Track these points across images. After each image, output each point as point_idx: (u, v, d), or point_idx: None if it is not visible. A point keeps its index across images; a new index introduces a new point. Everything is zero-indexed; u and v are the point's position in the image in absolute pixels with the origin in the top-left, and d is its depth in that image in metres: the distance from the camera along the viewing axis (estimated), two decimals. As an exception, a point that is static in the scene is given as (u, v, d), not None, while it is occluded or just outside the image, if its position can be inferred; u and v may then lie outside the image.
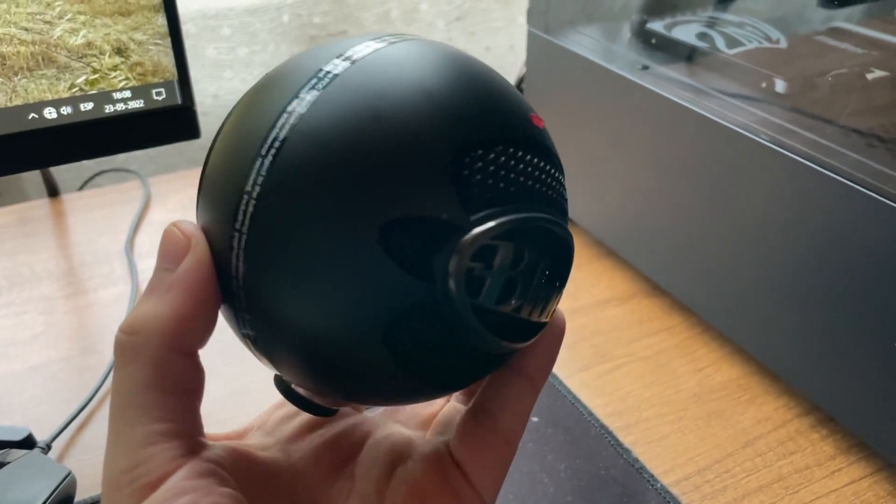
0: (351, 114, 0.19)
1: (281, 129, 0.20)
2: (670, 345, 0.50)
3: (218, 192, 0.21)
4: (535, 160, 0.21)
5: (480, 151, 0.20)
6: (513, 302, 0.21)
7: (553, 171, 0.22)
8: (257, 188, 0.20)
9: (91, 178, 0.73)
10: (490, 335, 0.21)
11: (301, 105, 0.20)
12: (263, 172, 0.20)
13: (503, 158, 0.20)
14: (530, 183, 0.21)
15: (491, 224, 0.19)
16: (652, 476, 0.41)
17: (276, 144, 0.20)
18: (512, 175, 0.20)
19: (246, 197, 0.20)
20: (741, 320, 0.47)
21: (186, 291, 0.20)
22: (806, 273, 0.42)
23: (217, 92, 0.79)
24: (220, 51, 0.77)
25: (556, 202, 0.22)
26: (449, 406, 0.27)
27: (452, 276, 0.19)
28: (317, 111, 0.20)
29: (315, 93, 0.20)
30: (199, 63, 0.77)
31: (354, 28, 0.83)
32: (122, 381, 0.20)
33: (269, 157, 0.20)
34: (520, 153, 0.21)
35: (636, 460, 0.42)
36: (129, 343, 0.20)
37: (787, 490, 0.41)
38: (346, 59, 0.21)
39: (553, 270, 0.22)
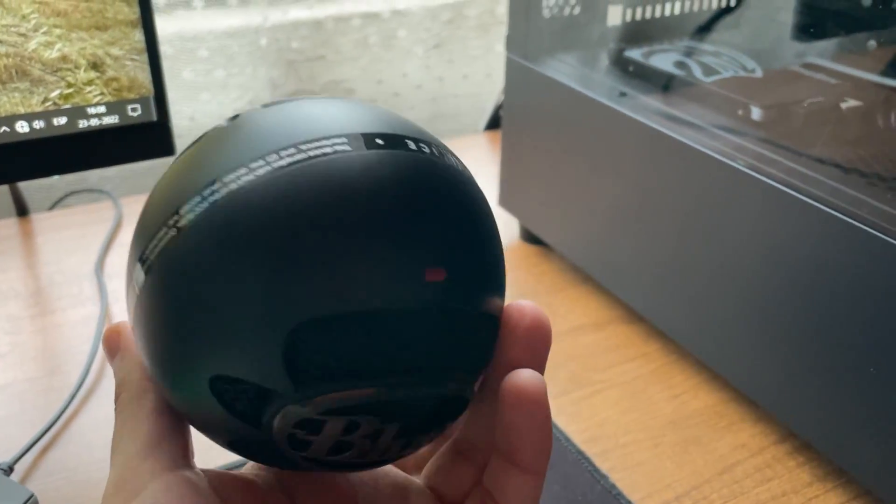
0: (202, 267, 0.19)
1: (151, 251, 0.20)
2: (647, 371, 0.50)
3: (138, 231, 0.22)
4: (398, 327, 0.19)
5: (324, 327, 0.19)
6: (349, 454, 0.21)
7: (429, 331, 0.20)
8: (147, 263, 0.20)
9: (62, 199, 0.72)
10: (328, 467, 0.21)
11: (166, 236, 0.20)
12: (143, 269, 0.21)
13: (351, 332, 0.19)
14: (381, 355, 0.19)
15: (315, 400, 0.19)
16: (629, 502, 0.40)
17: (147, 263, 0.20)
18: (357, 349, 0.19)
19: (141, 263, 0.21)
20: (718, 347, 0.47)
21: (126, 360, 0.24)
22: (782, 299, 0.42)
23: (193, 114, 0.78)
24: (196, 73, 0.77)
25: (425, 363, 0.20)
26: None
27: (276, 434, 0.20)
28: (176, 249, 0.19)
29: (187, 218, 0.19)
30: (175, 84, 0.76)
31: (332, 54, 0.83)
32: (118, 422, 0.23)
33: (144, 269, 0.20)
34: (374, 325, 0.19)
35: (613, 486, 0.41)
36: (117, 401, 0.24)
37: (765, 517, 0.40)
38: (212, 193, 0.19)
39: (411, 428, 0.21)
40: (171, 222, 0.20)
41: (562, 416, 0.46)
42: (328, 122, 0.20)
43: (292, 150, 0.19)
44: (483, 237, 0.21)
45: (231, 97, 0.80)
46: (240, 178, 0.19)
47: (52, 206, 0.72)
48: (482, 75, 0.93)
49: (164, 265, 0.20)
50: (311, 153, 0.19)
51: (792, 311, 0.41)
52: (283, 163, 0.19)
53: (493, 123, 0.86)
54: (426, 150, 0.21)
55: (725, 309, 0.45)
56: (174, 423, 0.23)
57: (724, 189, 0.43)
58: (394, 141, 0.20)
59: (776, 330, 0.42)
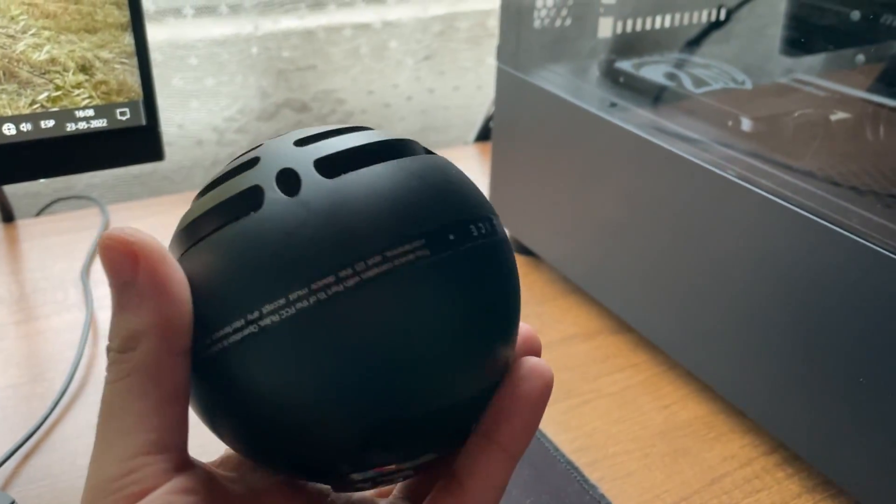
0: (289, 370, 0.20)
1: (226, 337, 0.20)
2: (637, 381, 0.50)
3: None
4: (457, 412, 0.22)
5: (402, 424, 0.21)
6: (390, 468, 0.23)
7: (477, 409, 0.23)
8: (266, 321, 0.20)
9: (49, 205, 0.72)
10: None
11: (245, 329, 0.20)
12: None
13: (422, 427, 0.21)
14: (442, 433, 0.22)
15: (375, 470, 0.22)
16: (619, 513, 0.40)
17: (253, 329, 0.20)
18: (422, 436, 0.22)
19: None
20: (707, 357, 0.47)
21: (161, 295, 0.20)
22: (771, 310, 0.42)
23: (182, 121, 0.78)
24: (186, 80, 0.77)
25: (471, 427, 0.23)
26: None
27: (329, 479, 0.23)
28: (258, 346, 0.20)
29: (271, 319, 0.20)
30: (165, 92, 0.76)
31: (323, 63, 0.83)
32: (118, 392, 0.20)
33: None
34: (441, 417, 0.21)
35: (603, 497, 0.41)
36: (124, 359, 0.20)
37: (754, 528, 0.40)
38: (299, 299, 0.20)
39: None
40: (251, 317, 0.20)
41: (551, 425, 0.46)
42: (405, 213, 0.20)
43: (378, 259, 0.20)
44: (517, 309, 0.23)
45: (221, 105, 0.79)
46: (329, 288, 0.19)
47: (39, 213, 0.71)
48: (473, 87, 0.93)
49: (245, 357, 0.20)
50: (396, 262, 0.20)
51: (780, 322, 0.41)
52: (371, 274, 0.20)
53: (484, 135, 0.86)
54: (485, 229, 0.22)
55: (714, 319, 0.45)
56: (184, 412, 0.21)
57: (714, 199, 0.44)
58: (463, 234, 0.21)
59: (765, 341, 0.42)
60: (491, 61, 0.93)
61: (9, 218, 0.65)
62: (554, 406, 0.48)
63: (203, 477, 0.21)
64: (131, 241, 0.20)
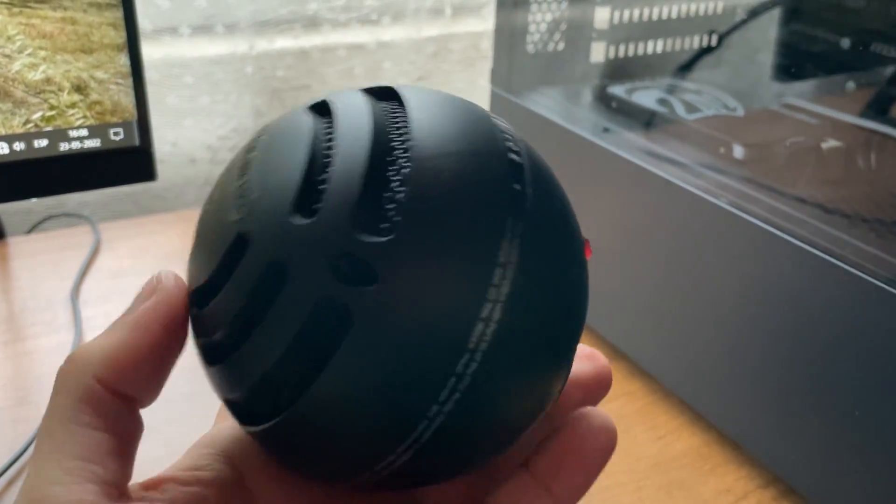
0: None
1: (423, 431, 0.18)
2: (630, 410, 0.50)
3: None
4: None
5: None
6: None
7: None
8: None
9: (40, 223, 0.71)
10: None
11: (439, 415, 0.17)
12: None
13: None
14: None
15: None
16: (611, 541, 0.40)
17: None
18: None
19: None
20: (700, 387, 0.47)
21: (134, 328, 0.20)
22: (766, 339, 0.42)
23: (176, 140, 0.78)
24: (181, 98, 0.77)
25: None
26: None
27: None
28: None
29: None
30: (159, 110, 0.76)
31: (318, 83, 0.83)
32: (49, 411, 0.20)
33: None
34: None
35: (595, 525, 0.41)
36: (62, 371, 0.20)
37: (747, 558, 0.40)
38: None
39: None
40: (431, 412, 0.17)
41: (543, 452, 0.46)
42: None
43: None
44: None
45: (215, 123, 0.79)
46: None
47: (30, 230, 0.71)
48: (463, 97, 0.94)
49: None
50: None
51: (775, 352, 0.41)
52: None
53: (477, 156, 0.86)
54: None
55: (707, 348, 0.45)
56: (120, 444, 0.20)
57: (707, 226, 0.44)
58: None
59: (759, 370, 0.42)
60: (484, 83, 0.93)
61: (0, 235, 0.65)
62: (546, 432, 0.47)
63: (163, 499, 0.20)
64: (160, 279, 0.20)
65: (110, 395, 0.20)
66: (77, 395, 0.20)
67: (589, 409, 0.22)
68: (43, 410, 0.48)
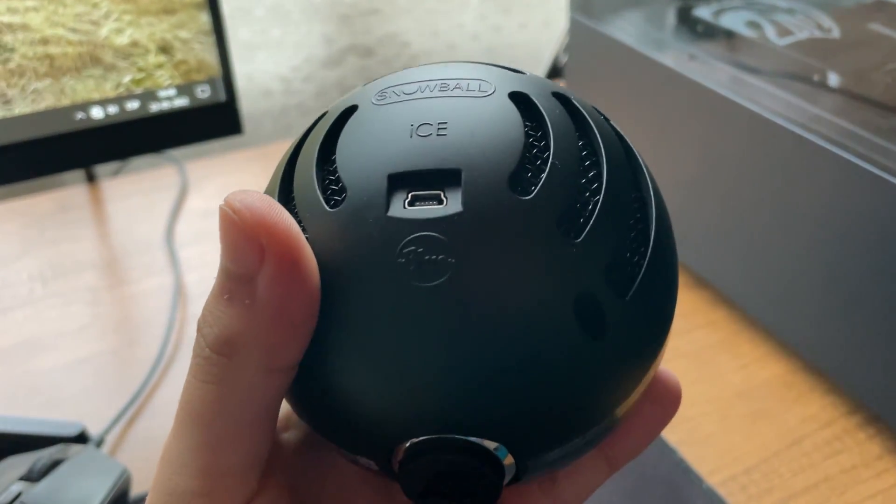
0: None
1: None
2: (714, 340, 0.50)
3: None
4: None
5: None
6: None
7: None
8: None
9: (126, 163, 0.74)
10: None
11: None
12: None
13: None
14: None
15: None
16: (698, 476, 0.41)
17: None
18: None
19: None
20: (786, 315, 0.46)
21: (279, 313, 0.16)
22: (854, 269, 0.41)
23: (251, 73, 0.79)
24: (253, 32, 0.77)
25: None
26: None
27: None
28: None
29: None
30: (232, 45, 0.76)
31: (387, 6, 0.82)
32: (204, 396, 0.17)
33: None
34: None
35: (682, 460, 0.42)
36: (215, 361, 0.17)
37: (834, 491, 0.41)
38: None
39: None
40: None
41: (628, 386, 0.47)
42: None
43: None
44: None
45: (287, 55, 0.80)
46: (577, 445, 0.19)
47: (118, 172, 0.73)
48: (540, 23, 0.91)
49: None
50: None
51: (862, 281, 0.41)
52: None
53: (552, 74, 0.84)
54: None
55: (794, 277, 0.45)
56: (271, 433, 0.19)
57: (797, 159, 0.42)
58: None
59: (845, 299, 0.42)
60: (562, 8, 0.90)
61: (91, 178, 0.67)
62: (631, 366, 0.48)
63: (276, 498, 0.20)
64: (259, 228, 0.15)
65: (277, 376, 0.18)
66: (248, 387, 0.17)
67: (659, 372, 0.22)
68: (153, 352, 0.50)
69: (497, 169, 0.16)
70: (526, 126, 0.17)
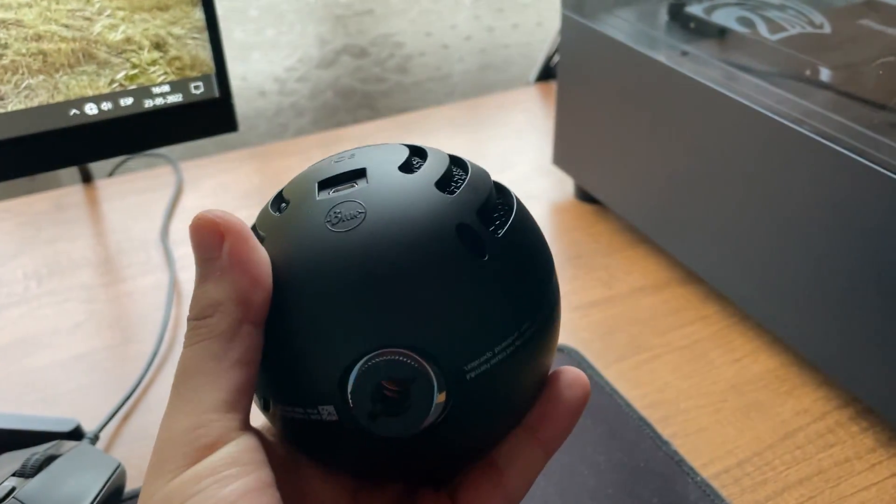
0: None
1: None
2: (707, 334, 0.50)
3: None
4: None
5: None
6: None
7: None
8: None
9: (122, 163, 0.74)
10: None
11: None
12: None
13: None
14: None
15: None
16: (692, 469, 0.41)
17: None
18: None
19: None
20: (778, 309, 0.47)
21: (242, 270, 0.22)
22: (844, 261, 0.41)
23: (245, 74, 0.79)
24: (247, 32, 0.77)
25: None
26: None
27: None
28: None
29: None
30: (227, 45, 0.77)
31: (381, 7, 0.82)
32: (193, 354, 0.22)
33: None
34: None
35: (675, 453, 0.42)
36: (200, 325, 0.22)
37: (828, 483, 0.41)
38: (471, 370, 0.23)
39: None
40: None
41: (622, 381, 0.47)
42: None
43: (528, 324, 0.23)
44: None
45: (282, 55, 0.80)
46: (490, 361, 0.22)
47: (113, 172, 0.74)
48: (533, 24, 0.91)
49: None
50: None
51: (853, 273, 0.41)
52: (520, 343, 0.23)
53: (545, 74, 0.84)
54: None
55: (786, 271, 0.45)
56: (252, 377, 0.22)
57: (788, 152, 0.43)
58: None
59: (837, 292, 0.42)
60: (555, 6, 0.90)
61: (87, 178, 0.67)
62: (624, 361, 0.48)
63: (260, 438, 0.23)
64: (219, 221, 0.22)
65: (251, 329, 0.22)
66: (226, 338, 0.21)
67: (565, 368, 0.25)
68: (148, 349, 0.51)
69: (391, 162, 0.24)
70: (410, 149, 0.25)
